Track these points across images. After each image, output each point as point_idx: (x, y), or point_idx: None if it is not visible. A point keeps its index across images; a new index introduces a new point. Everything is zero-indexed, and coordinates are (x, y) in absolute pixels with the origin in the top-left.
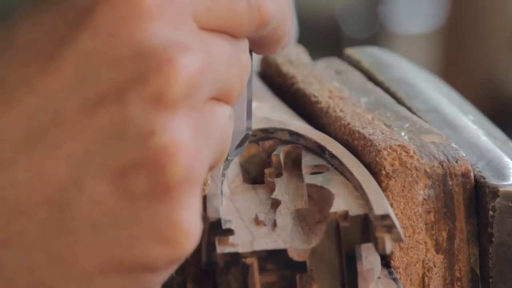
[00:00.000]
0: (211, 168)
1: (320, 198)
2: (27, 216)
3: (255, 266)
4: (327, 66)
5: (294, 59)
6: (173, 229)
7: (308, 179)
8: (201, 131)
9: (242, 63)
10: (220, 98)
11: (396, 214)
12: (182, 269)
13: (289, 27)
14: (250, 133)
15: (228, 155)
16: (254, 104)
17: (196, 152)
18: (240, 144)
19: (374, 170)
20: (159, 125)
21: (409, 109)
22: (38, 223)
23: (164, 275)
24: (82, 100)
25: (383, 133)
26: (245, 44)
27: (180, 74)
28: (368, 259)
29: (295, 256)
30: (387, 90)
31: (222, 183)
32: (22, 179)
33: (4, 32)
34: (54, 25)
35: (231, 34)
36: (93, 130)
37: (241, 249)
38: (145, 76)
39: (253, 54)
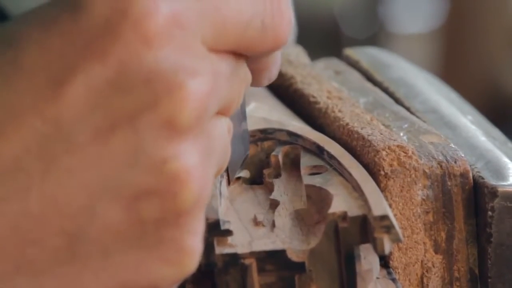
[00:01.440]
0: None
1: (318, 198)
2: (39, 245)
3: (254, 267)
4: (326, 66)
5: (293, 59)
6: (180, 253)
7: (307, 179)
8: (207, 152)
9: (242, 77)
10: (221, 112)
11: (395, 215)
12: None
13: (279, 55)
14: (248, 154)
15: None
16: (252, 105)
17: (204, 176)
18: (242, 163)
19: (372, 170)
20: (171, 152)
21: (408, 109)
22: (50, 251)
23: None
24: (94, 127)
25: (381, 134)
26: (245, 59)
27: (190, 98)
28: (367, 260)
29: (293, 256)
30: (386, 90)
31: (220, 184)
32: (35, 209)
33: (11, 57)
34: (63, 50)
35: (240, 54)
36: (106, 157)
37: (240, 250)
38: (156, 102)
39: None
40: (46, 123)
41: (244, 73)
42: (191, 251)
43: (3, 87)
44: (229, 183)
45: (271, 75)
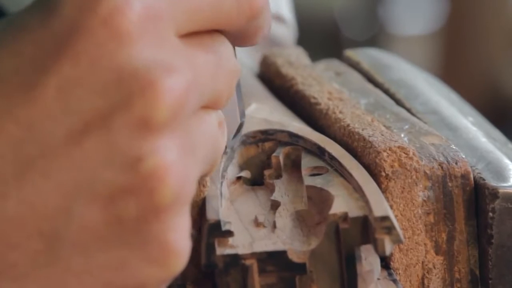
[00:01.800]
0: (204, 175)
1: (319, 199)
2: (19, 248)
3: (255, 268)
4: (327, 68)
5: (293, 60)
6: (163, 250)
7: (308, 180)
8: (188, 148)
9: (228, 69)
10: (209, 106)
11: (396, 216)
12: (181, 271)
13: (270, 16)
14: (244, 120)
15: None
16: (253, 106)
17: (184, 172)
18: (236, 133)
19: (373, 171)
20: (146, 150)
21: (408, 110)
22: (30, 254)
23: None
24: (67, 129)
25: (382, 135)
26: (229, 49)
27: (164, 96)
28: (368, 261)
29: (294, 257)
30: (386, 91)
31: (221, 185)
32: (13, 213)
33: None
34: (34, 54)
35: (220, 29)
36: (80, 159)
37: (240, 251)
38: (129, 101)
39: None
40: (19, 128)
41: (231, 64)
42: (176, 249)
43: None
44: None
45: (264, 34)
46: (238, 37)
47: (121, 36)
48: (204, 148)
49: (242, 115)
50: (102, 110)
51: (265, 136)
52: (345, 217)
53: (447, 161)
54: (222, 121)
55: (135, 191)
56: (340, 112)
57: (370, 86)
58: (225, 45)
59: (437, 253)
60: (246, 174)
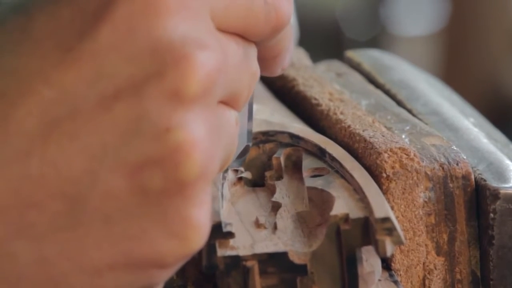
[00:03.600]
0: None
1: (320, 201)
2: (40, 208)
3: (256, 269)
4: (328, 69)
5: (294, 61)
6: (185, 225)
7: (309, 182)
8: (215, 130)
9: (252, 70)
10: (229, 102)
11: (397, 217)
12: (182, 272)
13: (291, 42)
14: (251, 144)
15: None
16: (254, 107)
17: (210, 150)
18: (241, 155)
19: (374, 172)
20: (175, 121)
21: (409, 111)
22: (50, 215)
23: (171, 272)
24: (99, 93)
25: (383, 136)
26: (255, 52)
27: (197, 70)
28: (369, 262)
29: (295, 259)
30: (387, 92)
31: (222, 186)
32: (36, 171)
33: (22, 25)
34: (72, 18)
35: (247, 35)
36: (109, 124)
37: (241, 252)
38: (162, 71)
39: None
40: (51, 88)
41: (254, 66)
42: (197, 224)
43: (12, 52)
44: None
45: (284, 63)
46: (262, 56)
47: (159, 8)
48: (226, 137)
49: (250, 138)
50: (135, 78)
51: (266, 137)
52: (346, 218)
53: (448, 162)
54: (238, 121)
55: (161, 162)
56: (341, 113)
57: (371, 87)
58: (252, 48)
59: (438, 254)
60: (247, 174)
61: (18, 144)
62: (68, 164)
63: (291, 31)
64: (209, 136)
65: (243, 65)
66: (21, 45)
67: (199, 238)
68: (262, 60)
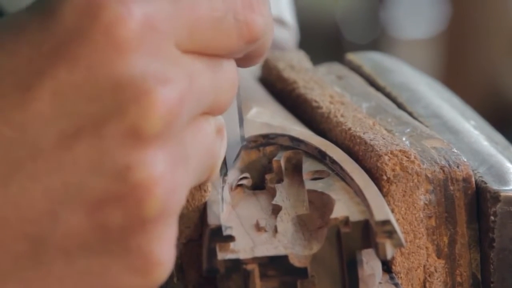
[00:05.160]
0: (204, 182)
1: (321, 203)
2: (3, 249)
3: (256, 272)
4: (328, 71)
5: (295, 64)
6: (146, 261)
7: (309, 184)
8: (179, 159)
9: (228, 78)
10: (209, 112)
11: (397, 219)
12: (183, 276)
13: (271, 38)
14: (245, 143)
15: (226, 170)
16: (254, 110)
17: (173, 184)
18: (236, 157)
19: (375, 175)
20: (136, 159)
21: (410, 114)
22: (13, 256)
23: None
24: (59, 132)
25: (384, 138)
26: (231, 61)
27: (157, 106)
28: (369, 265)
29: (296, 262)
30: (388, 95)
31: (223, 189)
32: None
33: None
34: (31, 56)
35: (218, 52)
36: (70, 163)
37: (242, 256)
38: (122, 109)
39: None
40: (11, 129)
41: (231, 74)
42: (159, 260)
43: None
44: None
45: (262, 57)
46: (239, 60)
47: (120, 44)
48: (198, 157)
49: (243, 139)
50: (95, 117)
51: (266, 140)
52: (346, 221)
53: (449, 165)
54: (222, 128)
55: (122, 200)
56: (342, 115)
57: (371, 90)
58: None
59: (438, 257)
60: (247, 182)
61: None
62: (30, 205)
63: (271, 32)
64: (171, 169)
65: (218, 76)
66: None
67: (161, 273)
68: (242, 60)
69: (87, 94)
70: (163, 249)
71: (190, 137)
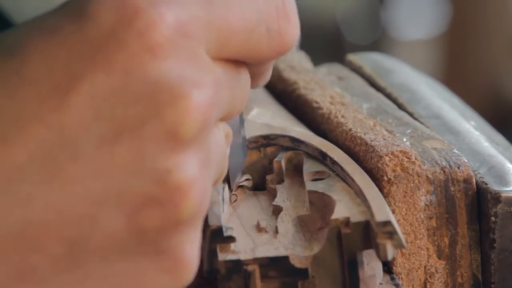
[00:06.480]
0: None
1: (321, 204)
2: (41, 252)
3: (257, 273)
4: (329, 72)
5: (296, 65)
6: (178, 262)
7: (310, 185)
8: (207, 162)
9: (244, 87)
10: (220, 119)
11: (398, 220)
12: None
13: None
14: (246, 158)
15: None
16: (255, 111)
17: (204, 187)
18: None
19: (376, 176)
20: (175, 162)
21: (411, 115)
22: (51, 258)
23: None
24: (98, 136)
25: (384, 139)
26: (246, 71)
27: (193, 110)
28: (370, 266)
29: (296, 262)
30: (389, 96)
31: (223, 190)
32: (38, 216)
33: (14, 66)
34: (68, 59)
35: (247, 61)
36: (110, 166)
37: (242, 256)
38: (160, 112)
39: None
40: (50, 131)
41: (246, 80)
42: (189, 261)
43: (8, 96)
44: (230, 190)
45: (267, 78)
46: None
47: (154, 49)
48: (216, 161)
49: (245, 154)
50: (133, 120)
51: (267, 141)
52: (347, 222)
53: (449, 166)
54: (230, 134)
55: (160, 202)
56: (342, 116)
57: (372, 91)
58: (243, 68)
59: (439, 258)
60: (248, 183)
61: (21, 188)
62: (70, 208)
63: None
64: (203, 172)
65: (237, 87)
66: (16, 88)
67: (190, 274)
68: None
69: (124, 98)
70: (193, 250)
71: (212, 142)
